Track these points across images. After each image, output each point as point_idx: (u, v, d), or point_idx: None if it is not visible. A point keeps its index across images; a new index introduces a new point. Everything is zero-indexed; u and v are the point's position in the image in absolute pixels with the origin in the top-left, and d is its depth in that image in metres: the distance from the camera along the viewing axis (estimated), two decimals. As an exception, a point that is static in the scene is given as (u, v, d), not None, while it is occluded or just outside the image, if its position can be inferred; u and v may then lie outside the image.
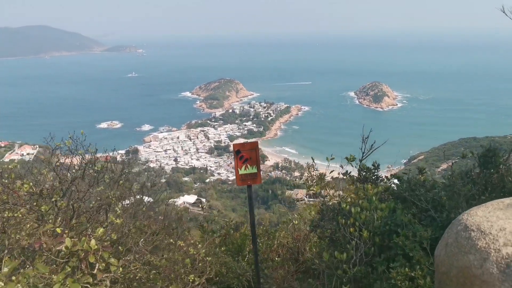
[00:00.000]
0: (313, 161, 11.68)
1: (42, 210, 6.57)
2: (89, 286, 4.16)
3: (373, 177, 10.10)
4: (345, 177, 10.26)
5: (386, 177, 10.41)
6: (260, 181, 8.32)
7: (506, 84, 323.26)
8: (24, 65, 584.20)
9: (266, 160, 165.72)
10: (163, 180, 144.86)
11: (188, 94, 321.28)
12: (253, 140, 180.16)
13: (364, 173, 10.06)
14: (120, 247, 6.07)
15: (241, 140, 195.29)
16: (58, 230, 4.76)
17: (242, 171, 8.14)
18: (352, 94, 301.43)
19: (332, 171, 10.62)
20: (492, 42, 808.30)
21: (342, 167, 10.27)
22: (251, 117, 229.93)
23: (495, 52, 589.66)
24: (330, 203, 9.76)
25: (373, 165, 10.24)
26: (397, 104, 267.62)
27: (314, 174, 10.89)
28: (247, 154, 8.18)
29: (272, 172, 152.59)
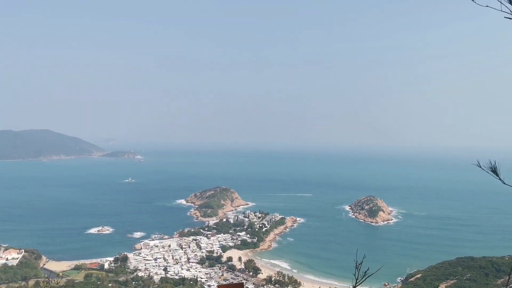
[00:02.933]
0: None
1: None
2: None
3: None
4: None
5: None
6: None
7: (502, 204, 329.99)
8: (22, 168, 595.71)
9: (259, 273, 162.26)
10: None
11: (183, 201, 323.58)
12: (239, 281, 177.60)
13: None
14: None
15: (235, 252, 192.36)
16: None
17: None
18: (347, 207, 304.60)
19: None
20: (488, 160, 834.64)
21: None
22: (245, 227, 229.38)
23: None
24: None
25: None
26: (392, 219, 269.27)
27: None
28: None
29: (265, 287, 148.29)
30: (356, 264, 9.31)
